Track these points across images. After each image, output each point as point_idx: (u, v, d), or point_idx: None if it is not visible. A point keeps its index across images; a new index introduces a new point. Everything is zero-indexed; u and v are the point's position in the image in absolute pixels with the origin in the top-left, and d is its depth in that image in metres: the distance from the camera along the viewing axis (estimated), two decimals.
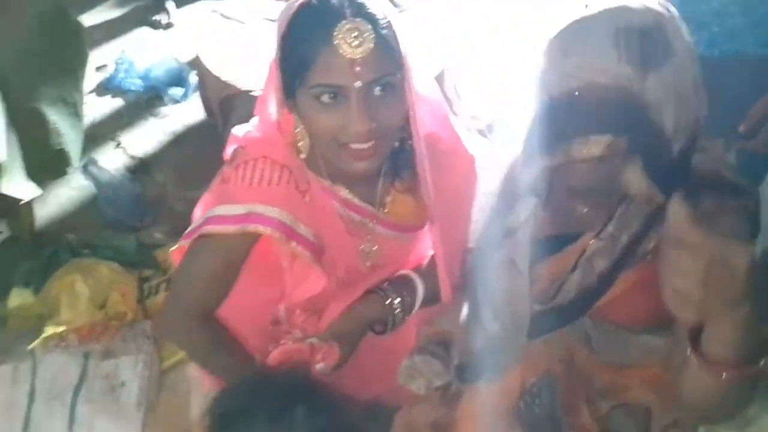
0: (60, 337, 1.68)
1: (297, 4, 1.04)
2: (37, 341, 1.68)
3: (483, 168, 1.33)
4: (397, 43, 1.03)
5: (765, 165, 1.33)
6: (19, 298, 1.88)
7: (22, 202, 1.90)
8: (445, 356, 1.20)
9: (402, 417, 1.36)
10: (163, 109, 2.74)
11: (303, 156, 1.15)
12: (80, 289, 1.78)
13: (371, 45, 0.99)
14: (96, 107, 2.72)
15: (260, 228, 1.13)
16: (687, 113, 0.97)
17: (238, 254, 1.20)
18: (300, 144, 1.14)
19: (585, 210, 1.11)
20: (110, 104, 2.77)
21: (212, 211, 1.19)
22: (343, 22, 0.98)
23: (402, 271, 1.29)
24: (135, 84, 2.78)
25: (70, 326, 1.70)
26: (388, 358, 1.32)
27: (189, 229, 1.29)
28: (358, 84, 1.00)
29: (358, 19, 0.99)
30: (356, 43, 0.98)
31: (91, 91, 2.77)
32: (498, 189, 1.23)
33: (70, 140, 1.88)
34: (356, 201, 1.21)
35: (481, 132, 2.22)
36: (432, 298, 1.29)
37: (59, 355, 1.70)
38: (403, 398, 1.36)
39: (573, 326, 1.17)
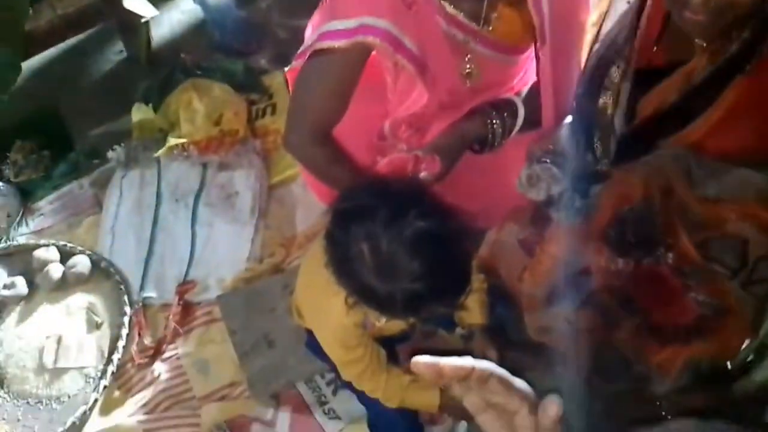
0: (182, 147, 1.84)
1: None
2: (161, 150, 1.85)
3: None
4: None
5: None
6: (140, 113, 2.04)
7: (143, 19, 2.00)
8: (564, 163, 1.25)
9: (492, 234, 1.45)
10: None
11: None
12: (197, 106, 1.91)
13: None
14: None
15: (369, 39, 1.17)
16: None
17: (352, 69, 1.26)
18: None
19: (704, 45, 1.09)
20: None
21: (324, 26, 1.24)
22: None
23: (505, 95, 1.33)
24: None
25: (190, 138, 1.85)
26: (485, 178, 1.40)
27: (302, 48, 1.35)
28: None
29: None
30: None
31: None
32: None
33: None
34: (461, 17, 1.22)
35: None
36: (533, 123, 1.32)
37: (181, 164, 1.88)
38: (494, 221, 1.45)
39: (673, 158, 1.19)
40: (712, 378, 1.33)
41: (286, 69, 2.16)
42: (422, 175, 1.22)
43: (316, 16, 1.39)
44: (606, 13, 1.29)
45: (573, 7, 1.28)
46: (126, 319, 1.66)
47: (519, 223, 1.42)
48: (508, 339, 1.48)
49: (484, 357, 1.35)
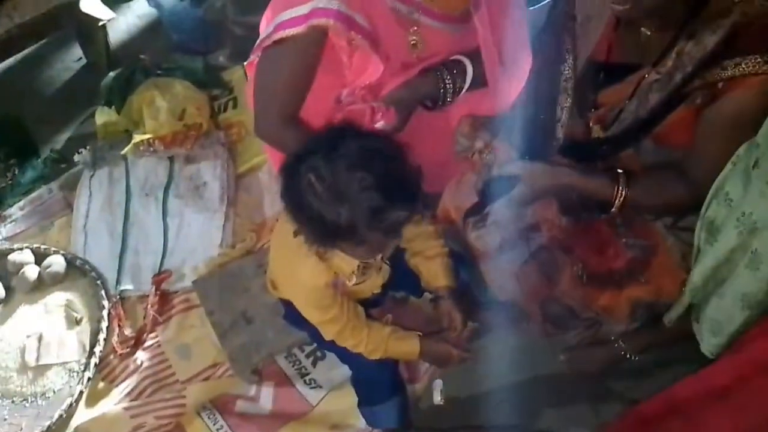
0: (147, 143, 1.88)
1: None
2: (128, 147, 1.88)
3: None
4: None
5: None
6: (104, 115, 2.08)
7: (100, 23, 2.03)
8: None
9: (448, 190, 1.52)
10: None
11: None
12: (159, 103, 1.95)
13: None
14: None
15: (323, 21, 1.24)
16: None
17: (311, 53, 1.32)
18: None
19: (649, 33, 1.18)
20: None
21: (279, 17, 1.30)
22: None
23: (455, 56, 1.40)
24: None
25: (155, 134, 1.89)
26: (435, 137, 1.47)
27: (258, 41, 1.41)
28: None
29: None
30: None
31: None
32: None
33: None
34: None
35: None
36: (481, 81, 1.40)
37: (148, 160, 1.92)
38: (444, 181, 1.52)
39: None
40: (661, 316, 1.42)
41: (244, 64, 2.23)
42: (379, 125, 1.29)
43: (268, 11, 1.46)
44: None
45: None
46: (105, 313, 1.70)
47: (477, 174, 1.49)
48: (474, 301, 1.55)
49: (450, 320, 1.43)
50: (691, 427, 1.12)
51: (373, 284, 1.37)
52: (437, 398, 1.51)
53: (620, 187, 1.26)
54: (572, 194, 1.35)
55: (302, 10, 1.26)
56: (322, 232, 1.08)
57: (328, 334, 1.33)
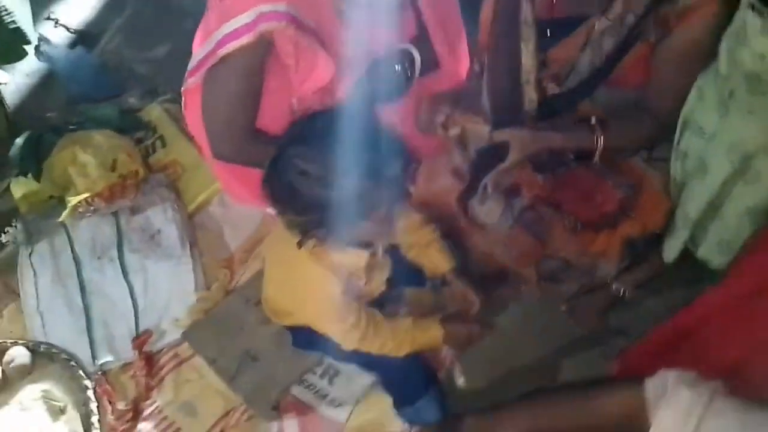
0: (86, 203, 1.74)
1: None
2: (65, 213, 1.73)
3: None
4: None
5: None
6: (21, 186, 1.90)
7: None
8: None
9: (422, 172, 1.51)
10: None
11: None
12: (84, 159, 1.80)
13: None
14: None
15: (273, 24, 1.20)
16: None
17: (260, 62, 1.28)
18: None
19: None
20: None
21: (218, 33, 1.25)
22: None
23: (400, 45, 1.39)
24: None
25: (91, 192, 1.75)
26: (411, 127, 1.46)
27: (195, 63, 1.34)
28: None
29: None
30: None
31: None
32: None
33: (21, 16, 1.81)
34: None
35: None
36: (429, 66, 1.41)
37: (90, 221, 1.77)
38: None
39: None
40: (648, 250, 1.49)
41: (158, 100, 2.12)
42: None
43: (200, 31, 1.40)
44: None
45: None
46: (90, 393, 1.55)
47: (448, 154, 1.49)
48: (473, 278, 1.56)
49: (465, 302, 1.43)
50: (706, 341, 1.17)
51: (380, 281, 1.34)
52: (460, 381, 1.51)
53: (598, 136, 1.31)
54: (553, 153, 1.38)
55: (245, 19, 1.21)
56: (333, 212, 1.05)
57: (350, 344, 1.29)
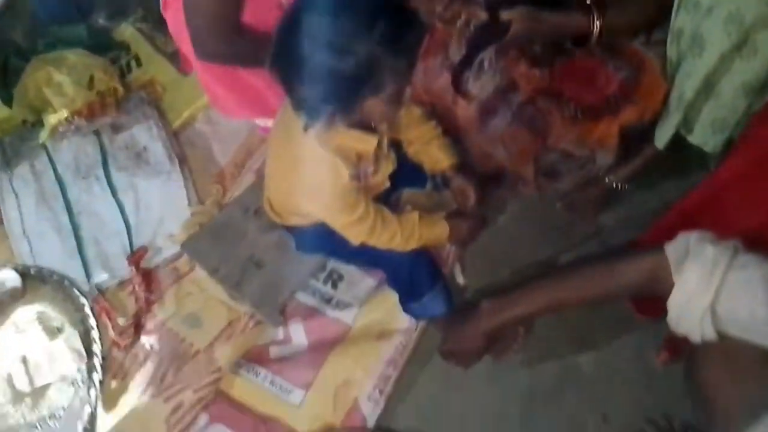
0: (66, 122, 1.66)
1: None
2: (44, 133, 1.67)
3: None
4: None
5: None
6: None
7: None
8: None
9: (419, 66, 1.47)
10: None
11: None
12: (60, 78, 1.72)
13: None
14: None
15: None
16: None
17: None
18: None
19: None
20: None
21: None
22: None
23: None
24: None
25: (71, 110, 1.67)
26: None
27: None
28: None
29: None
30: None
31: None
32: None
33: None
34: None
35: None
36: None
37: (71, 140, 1.71)
38: None
39: None
40: (642, 140, 1.50)
41: (128, 20, 2.03)
42: None
43: None
44: None
45: None
46: (88, 310, 1.52)
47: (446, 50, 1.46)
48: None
49: (464, 198, 1.43)
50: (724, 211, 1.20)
51: (385, 173, 1.32)
52: (460, 279, 1.52)
53: (594, 17, 1.30)
54: (551, 37, 1.37)
55: None
56: (345, 84, 1.02)
57: (359, 236, 1.27)
